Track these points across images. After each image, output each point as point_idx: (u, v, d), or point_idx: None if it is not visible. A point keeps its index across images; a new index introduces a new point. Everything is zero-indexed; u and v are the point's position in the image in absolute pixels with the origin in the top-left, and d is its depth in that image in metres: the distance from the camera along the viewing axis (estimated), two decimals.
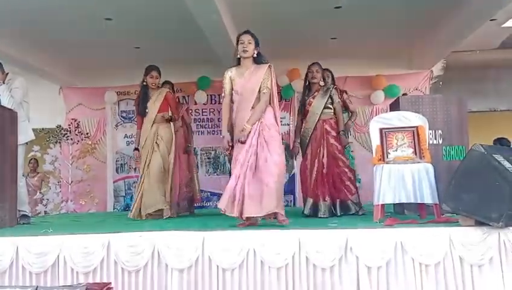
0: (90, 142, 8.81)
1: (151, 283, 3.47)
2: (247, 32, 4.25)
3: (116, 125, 8.92)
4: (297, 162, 7.29)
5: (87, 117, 8.91)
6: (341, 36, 7.42)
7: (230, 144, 4.22)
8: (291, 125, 8.38)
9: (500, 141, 6.89)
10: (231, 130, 4.30)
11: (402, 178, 4.07)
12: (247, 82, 4.21)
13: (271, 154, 4.04)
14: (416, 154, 4.17)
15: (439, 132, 4.84)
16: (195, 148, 7.52)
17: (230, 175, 4.21)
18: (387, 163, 4.17)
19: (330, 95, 5.39)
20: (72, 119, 8.81)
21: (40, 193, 8.71)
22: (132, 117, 8.72)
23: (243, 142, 4.08)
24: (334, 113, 5.41)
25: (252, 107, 4.17)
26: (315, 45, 7.46)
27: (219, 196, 8.44)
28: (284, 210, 4.06)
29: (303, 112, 5.52)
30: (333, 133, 5.36)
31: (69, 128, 8.75)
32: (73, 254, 3.49)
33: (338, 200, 5.24)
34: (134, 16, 6.44)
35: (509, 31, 7.94)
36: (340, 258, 3.37)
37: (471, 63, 8.97)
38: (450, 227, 3.48)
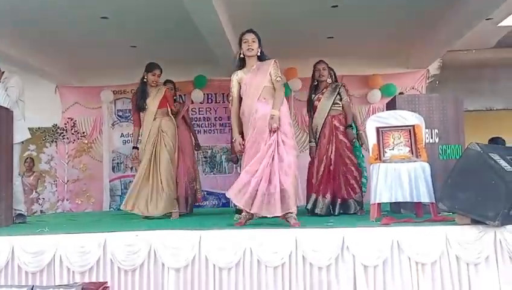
0: (86, 141, 8.79)
1: (147, 282, 3.46)
2: (250, 31, 4.21)
3: (113, 125, 8.90)
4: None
5: (84, 116, 8.88)
6: (338, 35, 7.43)
7: (243, 144, 4.14)
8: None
9: (496, 141, 6.89)
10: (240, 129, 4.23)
11: (398, 177, 4.07)
12: (253, 78, 4.15)
13: (287, 153, 3.95)
14: (412, 153, 4.18)
15: (436, 130, 4.85)
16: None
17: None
18: (383, 162, 4.17)
19: (339, 92, 5.38)
20: (68, 118, 8.78)
21: (36, 192, 8.67)
22: (129, 116, 8.71)
23: (275, 130, 3.97)
24: (343, 109, 5.40)
25: (259, 98, 4.09)
26: (312, 44, 7.47)
27: (216, 195, 8.53)
28: (297, 211, 4.01)
29: (312, 109, 5.49)
30: (342, 128, 5.33)
31: (65, 127, 8.72)
32: (69, 253, 3.48)
33: (339, 199, 5.21)
34: (131, 15, 6.43)
35: (506, 30, 7.95)
36: (336, 257, 3.37)
37: (467, 62, 8.98)
38: (446, 226, 3.48)
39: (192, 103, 8.58)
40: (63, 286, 3.32)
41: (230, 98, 4.37)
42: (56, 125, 8.67)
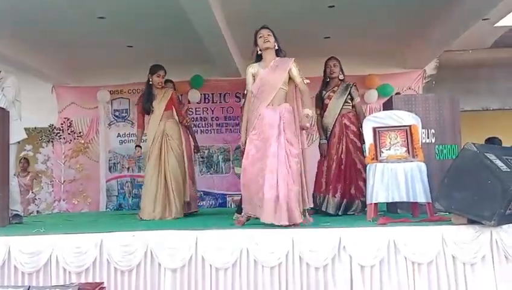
0: (82, 142, 8.75)
1: (144, 283, 3.46)
2: (264, 27, 4.22)
3: (109, 125, 8.87)
4: None
5: (80, 116, 8.84)
6: (334, 35, 7.43)
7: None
8: None
9: (492, 141, 6.90)
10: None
11: (395, 177, 4.08)
12: (270, 74, 4.12)
13: (292, 162, 3.93)
14: (409, 153, 4.19)
15: (432, 130, 4.85)
16: None
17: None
18: (380, 162, 4.18)
19: (350, 92, 5.32)
20: (65, 118, 8.74)
21: (32, 192, 8.65)
22: (125, 116, 8.70)
23: (307, 128, 4.07)
24: (354, 109, 5.34)
25: (269, 103, 4.07)
26: (308, 44, 7.44)
27: (212, 195, 8.52)
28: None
29: (321, 105, 5.42)
30: (352, 127, 5.25)
31: (62, 127, 8.67)
32: (65, 253, 3.48)
33: (346, 199, 5.14)
34: (128, 15, 6.41)
35: (502, 30, 7.98)
36: (333, 258, 3.37)
37: (463, 62, 9.00)
38: (442, 226, 3.49)
39: (189, 103, 8.57)
40: (59, 286, 3.31)
41: (245, 91, 4.35)
42: (52, 125, 8.63)
